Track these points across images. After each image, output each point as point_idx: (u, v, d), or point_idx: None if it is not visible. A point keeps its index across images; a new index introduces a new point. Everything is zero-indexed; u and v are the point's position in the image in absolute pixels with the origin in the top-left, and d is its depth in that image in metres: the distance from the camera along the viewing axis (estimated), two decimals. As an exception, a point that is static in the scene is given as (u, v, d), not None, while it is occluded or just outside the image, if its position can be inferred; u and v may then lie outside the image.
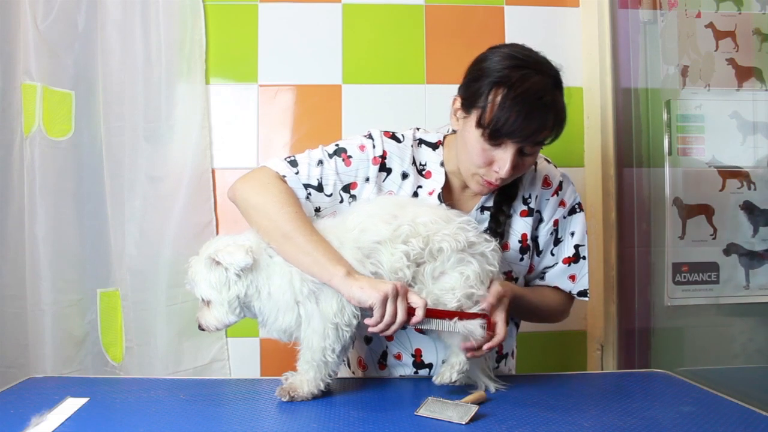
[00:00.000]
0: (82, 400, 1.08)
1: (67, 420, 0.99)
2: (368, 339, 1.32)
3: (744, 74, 1.69)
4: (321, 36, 1.95)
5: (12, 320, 1.86)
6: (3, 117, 1.84)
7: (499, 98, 1.11)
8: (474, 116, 1.15)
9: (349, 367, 1.40)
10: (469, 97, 1.17)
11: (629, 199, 1.88)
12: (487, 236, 1.19)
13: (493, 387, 1.18)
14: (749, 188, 1.68)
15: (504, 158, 1.14)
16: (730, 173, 1.70)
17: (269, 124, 1.95)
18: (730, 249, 1.70)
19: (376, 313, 1.05)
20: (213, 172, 1.91)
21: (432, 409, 1.04)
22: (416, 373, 1.30)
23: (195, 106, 1.89)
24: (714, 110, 1.74)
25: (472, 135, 1.16)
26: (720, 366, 1.71)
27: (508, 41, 1.95)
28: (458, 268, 1.12)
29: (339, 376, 1.38)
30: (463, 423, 0.99)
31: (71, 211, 1.87)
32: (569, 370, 1.87)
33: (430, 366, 1.29)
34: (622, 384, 1.29)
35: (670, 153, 1.79)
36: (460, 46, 1.96)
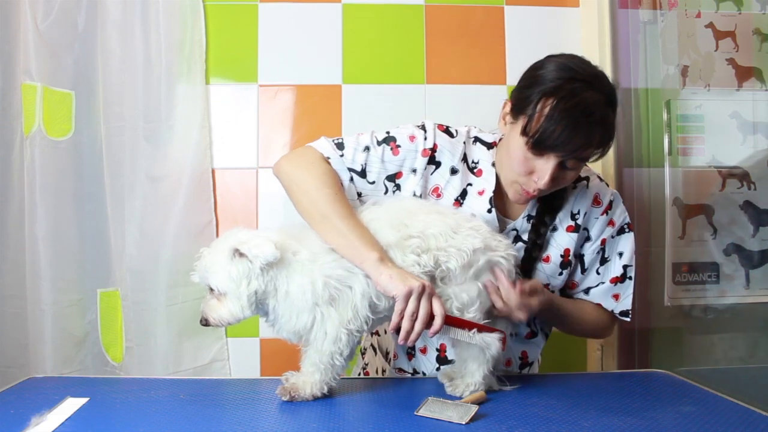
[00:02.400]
0: (82, 400, 1.08)
1: (67, 420, 0.99)
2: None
3: (744, 74, 1.69)
4: (321, 36, 1.95)
5: (12, 320, 1.86)
6: (3, 117, 1.85)
7: (547, 109, 1.10)
8: (521, 123, 1.14)
9: (385, 357, 1.40)
10: (518, 104, 1.16)
11: (629, 199, 1.87)
12: (499, 238, 1.18)
13: (497, 386, 1.18)
14: (749, 188, 1.68)
15: (544, 169, 1.13)
16: (730, 173, 1.70)
17: (269, 124, 1.95)
18: (730, 249, 1.70)
19: (398, 306, 1.06)
20: (213, 172, 1.92)
21: (432, 409, 1.04)
22: (438, 369, 1.30)
23: (195, 106, 1.89)
24: (714, 110, 1.74)
25: (516, 142, 1.15)
26: (720, 366, 1.71)
27: (508, 41, 1.98)
28: (476, 281, 1.14)
29: (372, 366, 1.38)
30: (463, 423, 0.99)
31: (71, 211, 1.87)
32: (569, 370, 1.87)
33: (452, 363, 1.28)
34: (622, 384, 1.29)
35: (670, 153, 1.79)
36: (460, 46, 1.96)
